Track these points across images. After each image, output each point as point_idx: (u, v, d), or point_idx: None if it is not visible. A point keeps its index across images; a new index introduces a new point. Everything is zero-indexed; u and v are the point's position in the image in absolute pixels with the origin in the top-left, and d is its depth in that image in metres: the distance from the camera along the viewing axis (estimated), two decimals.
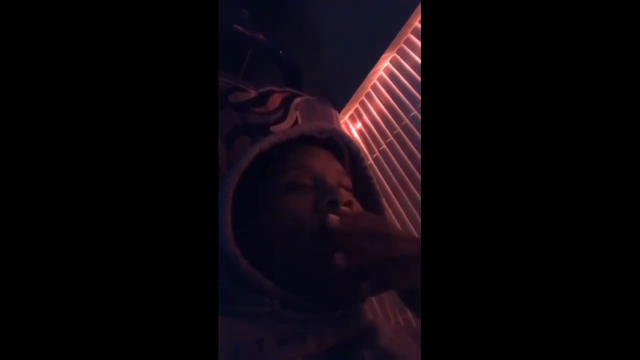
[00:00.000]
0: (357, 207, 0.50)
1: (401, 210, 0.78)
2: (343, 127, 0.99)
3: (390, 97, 0.88)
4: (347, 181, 0.53)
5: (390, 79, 0.89)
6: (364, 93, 0.98)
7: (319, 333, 0.41)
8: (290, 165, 0.51)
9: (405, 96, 0.84)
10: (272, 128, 0.71)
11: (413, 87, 0.82)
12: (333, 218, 0.42)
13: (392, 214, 0.79)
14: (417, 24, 0.82)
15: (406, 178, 0.79)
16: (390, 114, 0.88)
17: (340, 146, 0.59)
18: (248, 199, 0.49)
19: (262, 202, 0.49)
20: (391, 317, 0.76)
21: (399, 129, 0.84)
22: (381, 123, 0.91)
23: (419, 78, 0.80)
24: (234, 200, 0.47)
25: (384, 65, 0.91)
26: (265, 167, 0.51)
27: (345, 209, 0.46)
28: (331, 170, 0.52)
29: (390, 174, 0.84)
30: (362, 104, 0.99)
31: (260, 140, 0.52)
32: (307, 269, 0.44)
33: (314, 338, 0.40)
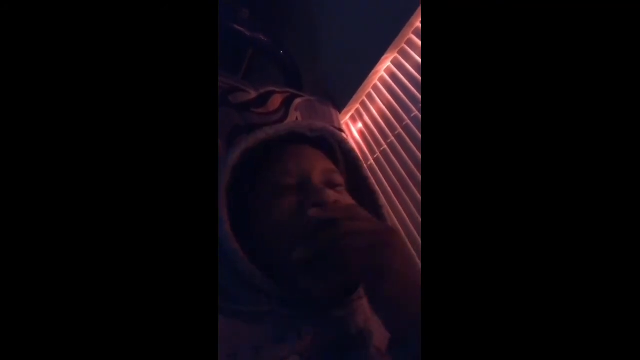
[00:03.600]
0: (344, 203, 0.49)
1: (401, 210, 0.78)
2: (344, 127, 0.98)
3: (392, 97, 0.88)
4: (338, 179, 0.52)
5: (392, 80, 0.89)
6: (365, 93, 0.98)
7: (314, 332, 0.41)
8: (277, 165, 0.50)
9: (406, 96, 0.84)
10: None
11: (414, 87, 0.82)
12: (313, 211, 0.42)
13: (392, 214, 0.79)
14: (419, 24, 0.81)
15: (407, 178, 0.79)
16: (391, 115, 0.88)
17: (332, 145, 0.58)
18: (241, 196, 0.49)
19: (252, 201, 0.49)
20: None
21: (400, 130, 0.84)
22: (382, 123, 0.91)
23: (420, 78, 0.80)
24: (229, 198, 0.47)
25: (385, 65, 0.91)
26: (253, 164, 0.50)
27: (335, 206, 0.46)
28: (318, 169, 0.51)
29: (391, 174, 0.84)
30: (363, 104, 0.99)
31: (246, 136, 0.51)
32: (296, 269, 0.44)
33: (309, 335, 0.40)
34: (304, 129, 0.56)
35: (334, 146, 0.58)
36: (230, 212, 0.47)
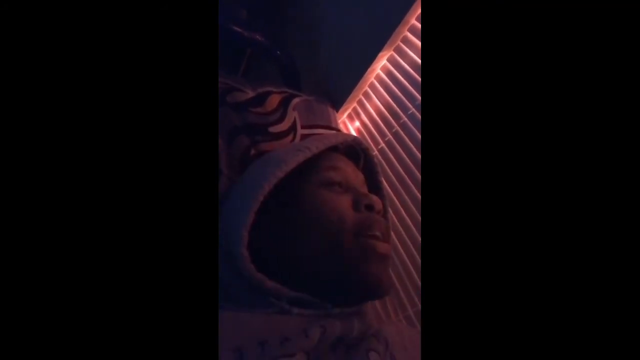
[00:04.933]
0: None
1: (401, 208, 0.78)
2: (341, 126, 0.99)
3: (388, 95, 0.88)
4: (366, 188, 0.56)
5: (388, 78, 0.89)
6: (362, 92, 0.98)
7: (321, 330, 0.41)
8: (326, 165, 0.53)
9: (403, 94, 0.84)
10: (271, 129, 0.71)
11: (411, 85, 0.82)
12: None
13: (392, 213, 0.79)
14: (414, 21, 0.82)
15: (405, 176, 0.79)
16: (389, 113, 0.88)
17: (358, 153, 0.61)
18: (273, 201, 0.49)
19: (294, 200, 0.50)
20: (392, 315, 0.76)
21: (397, 127, 0.84)
22: (379, 121, 0.91)
23: (416, 76, 0.80)
24: (262, 204, 0.48)
25: (382, 63, 0.91)
26: (295, 171, 0.51)
27: (379, 216, 0.49)
28: (358, 178, 0.55)
29: (389, 172, 0.84)
30: (360, 102, 0.99)
31: (294, 153, 0.53)
32: (332, 263, 0.45)
33: (316, 334, 0.40)
34: (339, 142, 0.59)
35: (359, 154, 0.62)
36: (256, 218, 0.47)
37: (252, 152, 0.66)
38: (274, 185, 0.49)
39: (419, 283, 0.70)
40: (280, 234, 0.48)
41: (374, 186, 0.61)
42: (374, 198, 0.50)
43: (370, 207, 0.49)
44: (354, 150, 0.61)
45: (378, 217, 0.49)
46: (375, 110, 0.93)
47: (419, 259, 0.72)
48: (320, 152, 0.55)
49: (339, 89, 0.99)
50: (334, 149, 0.58)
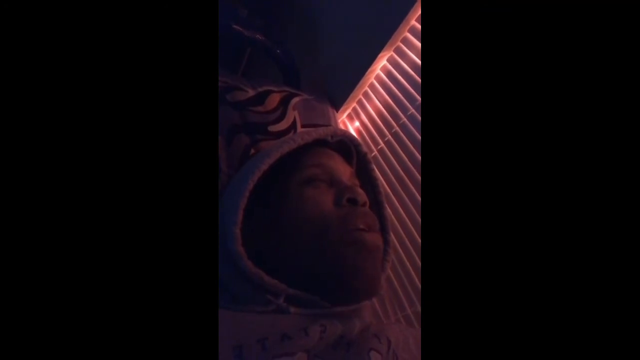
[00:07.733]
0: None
1: (400, 209, 0.78)
2: (341, 126, 0.99)
3: (388, 95, 0.89)
4: (357, 183, 0.56)
5: (388, 78, 0.89)
6: (362, 92, 0.98)
7: (321, 328, 0.41)
8: (310, 162, 0.52)
9: (402, 95, 0.84)
10: (270, 128, 0.71)
11: (411, 86, 0.82)
12: None
13: (391, 213, 0.79)
14: (415, 22, 0.82)
15: (404, 177, 0.79)
16: (388, 113, 0.88)
17: (349, 148, 0.61)
18: (262, 198, 0.49)
19: (279, 198, 0.50)
20: (391, 314, 0.76)
21: (397, 128, 0.84)
22: (379, 122, 0.91)
23: (416, 77, 0.80)
24: (248, 200, 0.48)
25: (382, 64, 0.91)
26: (284, 168, 0.51)
27: (364, 209, 0.49)
28: (345, 171, 0.54)
29: (388, 172, 0.84)
30: (360, 102, 0.99)
31: (279, 146, 0.53)
32: (320, 260, 0.45)
33: (316, 332, 0.40)
34: (327, 135, 0.58)
35: (351, 150, 0.61)
36: (245, 215, 0.47)
37: (252, 151, 0.66)
38: (260, 180, 0.49)
39: (419, 283, 0.71)
40: (269, 232, 0.49)
41: (367, 180, 0.61)
42: (358, 191, 0.50)
43: (353, 201, 0.48)
44: (344, 144, 0.61)
45: (363, 210, 0.49)
46: (375, 111, 0.93)
47: (418, 260, 0.72)
48: (307, 144, 0.54)
49: (339, 89, 0.99)
50: (323, 142, 0.57)
